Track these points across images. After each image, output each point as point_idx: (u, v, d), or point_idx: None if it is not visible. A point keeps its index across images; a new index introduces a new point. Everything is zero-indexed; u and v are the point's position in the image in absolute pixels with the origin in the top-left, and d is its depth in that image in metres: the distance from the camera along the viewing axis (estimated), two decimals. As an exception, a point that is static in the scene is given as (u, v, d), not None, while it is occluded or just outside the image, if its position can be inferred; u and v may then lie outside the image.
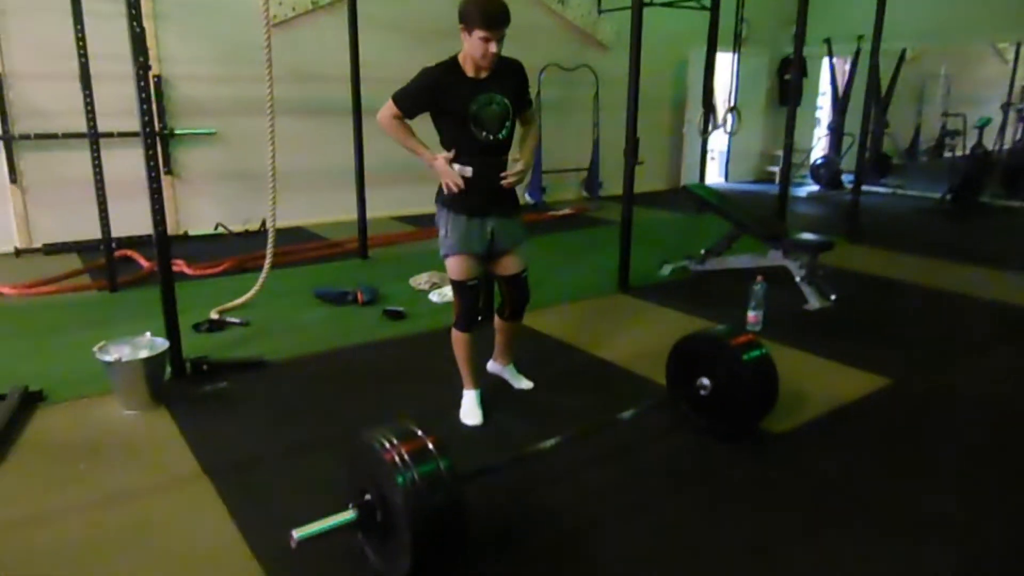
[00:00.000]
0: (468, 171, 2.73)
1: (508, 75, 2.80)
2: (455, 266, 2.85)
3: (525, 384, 3.29)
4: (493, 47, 2.60)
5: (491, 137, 2.74)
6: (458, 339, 2.99)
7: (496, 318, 3.18)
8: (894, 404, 3.24)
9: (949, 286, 5.10)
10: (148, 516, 2.33)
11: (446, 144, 2.78)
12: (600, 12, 8.56)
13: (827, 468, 2.67)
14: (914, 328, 4.34)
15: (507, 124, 2.78)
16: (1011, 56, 12.27)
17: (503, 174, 2.80)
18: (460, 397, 3.05)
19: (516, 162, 2.84)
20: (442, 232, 2.86)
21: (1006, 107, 11.22)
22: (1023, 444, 2.87)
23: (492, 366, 3.38)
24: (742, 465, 2.67)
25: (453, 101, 2.67)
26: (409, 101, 2.72)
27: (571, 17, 8.45)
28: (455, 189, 2.73)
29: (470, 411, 3.00)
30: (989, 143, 10.07)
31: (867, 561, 2.12)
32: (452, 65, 2.71)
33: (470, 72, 2.70)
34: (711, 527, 2.30)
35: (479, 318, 3.03)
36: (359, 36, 5.39)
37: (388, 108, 2.75)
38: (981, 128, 9.65)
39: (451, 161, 2.73)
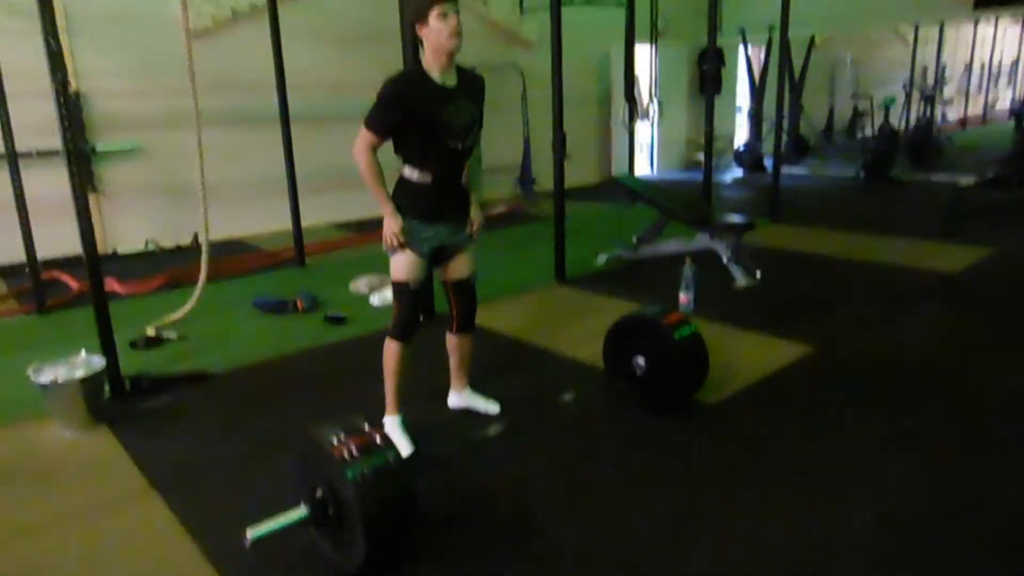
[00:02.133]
0: (428, 179, 2.63)
1: (474, 85, 2.73)
2: (401, 264, 2.68)
3: (493, 408, 3.05)
4: (454, 19, 2.46)
5: (459, 146, 2.63)
6: (392, 351, 2.74)
7: (448, 337, 3.02)
8: (816, 370, 3.45)
9: (865, 257, 5.42)
10: (99, 535, 2.32)
11: (405, 152, 2.63)
12: (523, 11, 8.70)
13: (755, 433, 2.84)
14: (833, 298, 4.60)
15: (473, 133, 2.69)
16: (911, 39, 12.98)
17: (472, 228, 2.80)
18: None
19: (473, 218, 2.81)
20: (390, 250, 2.71)
21: (908, 86, 11.88)
22: (928, 393, 3.10)
23: (453, 399, 3.11)
24: (676, 436, 2.82)
25: (426, 108, 2.52)
26: (384, 118, 2.52)
27: (494, 17, 8.55)
28: (394, 244, 2.63)
29: (397, 440, 2.64)
30: (895, 121, 10.63)
31: (793, 517, 2.28)
32: (419, 72, 2.56)
33: (438, 78, 2.56)
34: (648, 495, 2.43)
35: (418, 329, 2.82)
36: (283, 44, 5.37)
37: (363, 139, 2.53)
38: (887, 108, 10.19)
39: (411, 168, 2.63)
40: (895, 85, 12.78)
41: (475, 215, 2.84)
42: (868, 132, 12.34)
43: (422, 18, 2.48)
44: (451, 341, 3.02)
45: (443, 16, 2.45)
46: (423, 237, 2.67)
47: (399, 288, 2.73)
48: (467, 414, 3.06)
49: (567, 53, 4.79)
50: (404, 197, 2.65)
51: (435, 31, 2.47)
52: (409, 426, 2.81)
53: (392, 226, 2.61)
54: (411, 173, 2.64)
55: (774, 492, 2.42)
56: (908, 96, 11.72)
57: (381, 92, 2.51)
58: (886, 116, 10.13)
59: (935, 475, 2.48)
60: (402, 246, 2.64)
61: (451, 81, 2.60)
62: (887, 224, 6.52)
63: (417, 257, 2.68)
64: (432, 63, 2.55)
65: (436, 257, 2.79)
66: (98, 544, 2.27)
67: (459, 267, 2.85)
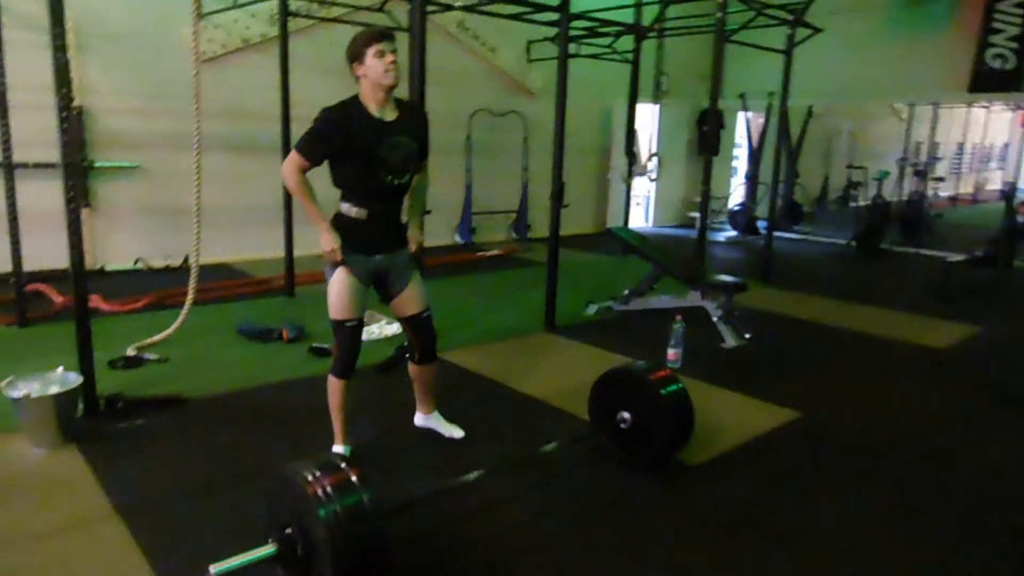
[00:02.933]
0: (364, 214, 2.67)
1: (414, 118, 2.77)
2: (337, 295, 2.71)
3: (457, 433, 3.14)
4: (391, 57, 2.55)
5: (395, 181, 2.66)
6: (333, 386, 2.81)
7: (410, 365, 3.06)
8: (803, 436, 3.42)
9: (853, 325, 5.43)
10: (57, 557, 2.24)
11: (341, 183, 2.68)
12: (529, 61, 8.87)
13: (736, 497, 2.79)
14: (822, 364, 4.59)
15: (411, 168, 2.72)
16: (906, 116, 13.30)
17: (411, 246, 2.85)
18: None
19: (410, 240, 2.87)
20: (328, 269, 2.76)
21: (902, 161, 12.11)
22: (915, 469, 3.07)
23: (419, 419, 3.21)
24: (658, 495, 2.77)
25: (361, 141, 2.57)
26: (317, 145, 2.56)
27: (501, 64, 8.71)
28: (333, 258, 2.68)
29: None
30: (888, 194, 10.80)
31: (774, 584, 2.23)
32: (355, 104, 2.62)
33: (375, 111, 2.61)
34: (627, 554, 2.37)
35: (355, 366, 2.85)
36: (290, 75, 5.43)
37: (293, 161, 2.58)
38: (880, 180, 10.36)
39: (348, 204, 2.68)
40: (889, 159, 13.04)
41: (414, 234, 2.89)
42: (861, 203, 12.53)
43: (359, 58, 2.59)
44: (413, 370, 3.07)
45: (380, 54, 2.55)
46: (359, 269, 2.72)
47: (337, 325, 2.76)
48: (447, 457, 3.01)
49: (571, 104, 4.85)
50: (340, 230, 2.69)
51: (371, 67, 2.56)
52: (355, 457, 2.84)
53: (329, 242, 2.66)
54: (348, 208, 2.69)
55: (752, 560, 2.36)
56: (901, 171, 11.94)
57: (317, 119, 2.58)
58: (879, 188, 10.29)
59: (914, 556, 2.44)
60: (341, 262, 2.68)
61: (390, 115, 2.66)
62: (877, 295, 6.56)
63: (355, 282, 2.72)
64: (369, 97, 2.62)
65: (381, 290, 2.84)
66: (54, 567, 2.18)
67: (410, 302, 2.89)
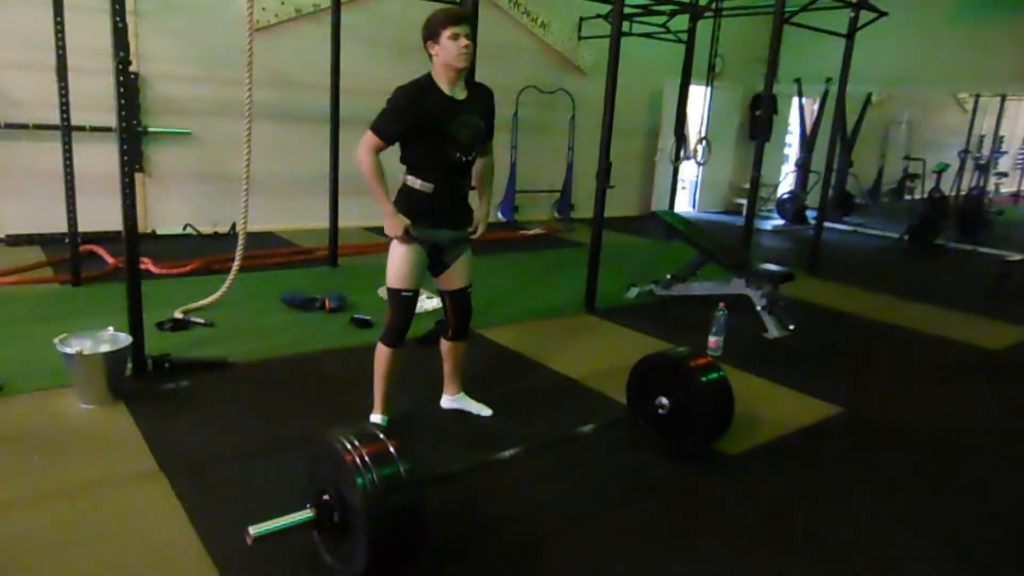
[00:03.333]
0: (430, 188, 2.72)
1: (483, 98, 2.81)
2: (397, 266, 2.76)
3: (485, 411, 3.17)
4: (465, 41, 2.58)
5: (463, 158, 2.72)
6: (381, 354, 2.86)
7: (442, 342, 3.10)
8: (843, 432, 3.34)
9: (902, 322, 5.28)
10: (102, 511, 2.31)
11: (409, 159, 2.73)
12: (580, 38, 8.74)
13: (772, 491, 2.75)
14: (867, 360, 4.48)
15: (477, 146, 2.78)
16: (970, 107, 12.77)
17: (475, 227, 2.93)
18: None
19: (478, 221, 2.96)
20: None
21: (963, 154, 11.66)
22: (959, 473, 2.98)
23: (446, 401, 3.23)
24: (694, 484, 2.74)
25: (434, 120, 2.63)
26: (392, 125, 2.62)
27: (551, 41, 8.60)
28: (397, 238, 2.72)
29: None
30: (946, 188, 10.43)
31: (809, 579, 2.20)
32: (428, 83, 2.67)
33: (447, 90, 2.67)
34: (660, 540, 2.36)
35: (406, 337, 2.90)
36: (342, 46, 5.43)
37: (369, 141, 2.62)
38: (939, 173, 10.00)
39: (414, 177, 2.72)
40: (949, 151, 12.57)
41: (480, 216, 2.96)
42: (917, 195, 12.12)
43: (434, 37, 2.63)
44: (445, 347, 3.11)
45: (455, 37, 2.58)
46: (423, 238, 2.77)
47: (393, 293, 2.82)
48: (482, 434, 3.02)
49: (621, 84, 4.77)
50: (405, 204, 2.75)
51: (445, 49, 2.60)
52: (392, 428, 2.86)
53: (393, 227, 2.71)
54: (413, 181, 2.73)
55: (783, 554, 2.33)
56: (962, 164, 11.51)
57: (391, 99, 2.63)
58: (937, 181, 9.93)
59: (955, 560, 2.37)
60: (408, 237, 2.72)
61: (460, 94, 2.72)
62: (929, 291, 6.35)
63: (416, 254, 2.76)
64: (441, 76, 2.67)
65: (435, 262, 2.88)
66: (100, 521, 2.26)
67: (457, 277, 2.94)
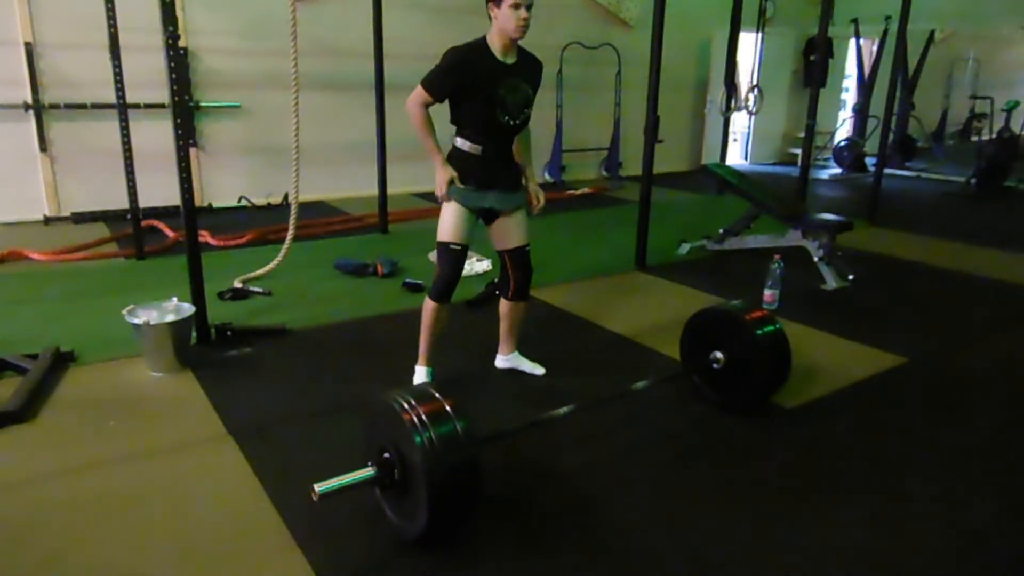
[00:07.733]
0: (478, 150, 2.78)
1: (532, 66, 2.85)
2: (448, 219, 2.83)
3: (539, 370, 3.20)
4: (524, 12, 2.61)
5: (511, 122, 2.77)
6: (429, 308, 2.93)
7: (502, 302, 3.12)
8: (908, 382, 3.26)
9: (968, 268, 5.08)
10: (174, 473, 2.42)
11: (460, 120, 2.79)
12: (624, -10, 8.51)
13: (832, 445, 2.71)
14: (931, 310, 4.33)
15: (525, 111, 2.83)
16: (1043, 39, 12.02)
17: (535, 206, 3.01)
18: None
19: (535, 193, 3.02)
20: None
21: (1036, 91, 11.02)
22: (1035, 424, 2.89)
23: (500, 361, 3.26)
24: (751, 438, 2.71)
25: (484, 82, 2.68)
26: (441, 83, 2.69)
27: (594, -6, 8.40)
28: (445, 190, 2.79)
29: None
30: (1017, 127, 9.90)
31: (860, 534, 2.16)
32: (482, 46, 2.72)
33: (499, 54, 2.71)
34: (715, 496, 2.35)
35: (453, 293, 2.95)
36: (383, 12, 5.41)
37: (418, 95, 2.71)
38: (1009, 111, 9.49)
39: (463, 139, 2.79)
40: (1020, 89, 11.90)
41: (535, 191, 3.02)
42: (984, 136, 11.54)
43: (497, 2, 2.64)
44: (504, 307, 3.12)
45: (516, 7, 2.60)
46: (472, 198, 2.83)
47: (442, 247, 2.87)
48: (535, 392, 3.05)
49: (667, 36, 4.64)
50: (455, 165, 2.81)
51: (505, 17, 2.63)
52: (435, 379, 3.03)
53: (443, 175, 2.79)
54: (462, 143, 2.80)
55: (843, 507, 2.29)
56: (1033, 101, 10.89)
57: (444, 56, 2.70)
58: (1007, 121, 9.42)
59: (1017, 525, 2.30)
60: (454, 191, 2.78)
61: (511, 59, 2.75)
62: (997, 237, 6.08)
63: (466, 212, 2.82)
64: (495, 41, 2.71)
65: (488, 221, 2.93)
66: (174, 483, 2.36)
67: (512, 235, 2.96)
